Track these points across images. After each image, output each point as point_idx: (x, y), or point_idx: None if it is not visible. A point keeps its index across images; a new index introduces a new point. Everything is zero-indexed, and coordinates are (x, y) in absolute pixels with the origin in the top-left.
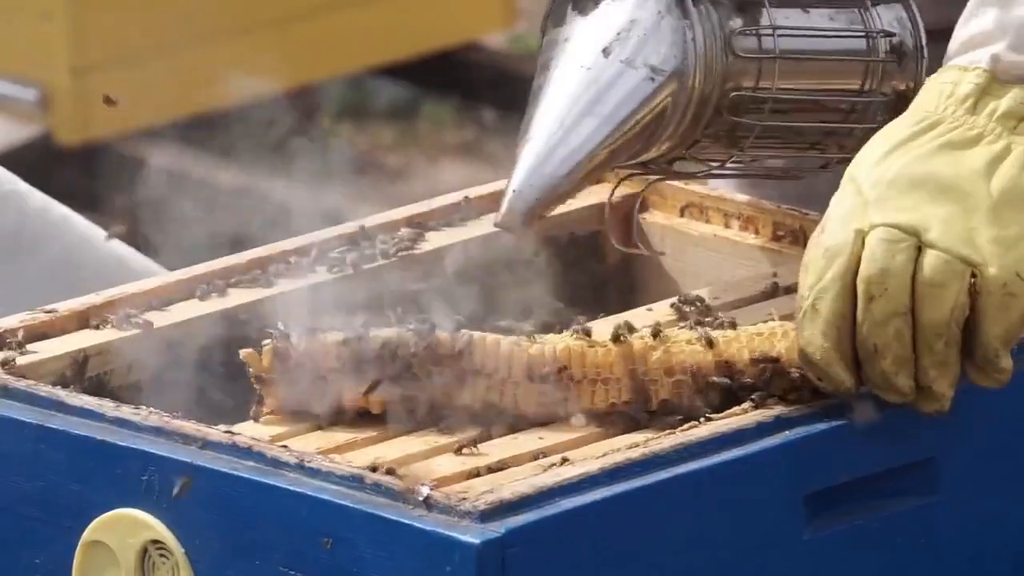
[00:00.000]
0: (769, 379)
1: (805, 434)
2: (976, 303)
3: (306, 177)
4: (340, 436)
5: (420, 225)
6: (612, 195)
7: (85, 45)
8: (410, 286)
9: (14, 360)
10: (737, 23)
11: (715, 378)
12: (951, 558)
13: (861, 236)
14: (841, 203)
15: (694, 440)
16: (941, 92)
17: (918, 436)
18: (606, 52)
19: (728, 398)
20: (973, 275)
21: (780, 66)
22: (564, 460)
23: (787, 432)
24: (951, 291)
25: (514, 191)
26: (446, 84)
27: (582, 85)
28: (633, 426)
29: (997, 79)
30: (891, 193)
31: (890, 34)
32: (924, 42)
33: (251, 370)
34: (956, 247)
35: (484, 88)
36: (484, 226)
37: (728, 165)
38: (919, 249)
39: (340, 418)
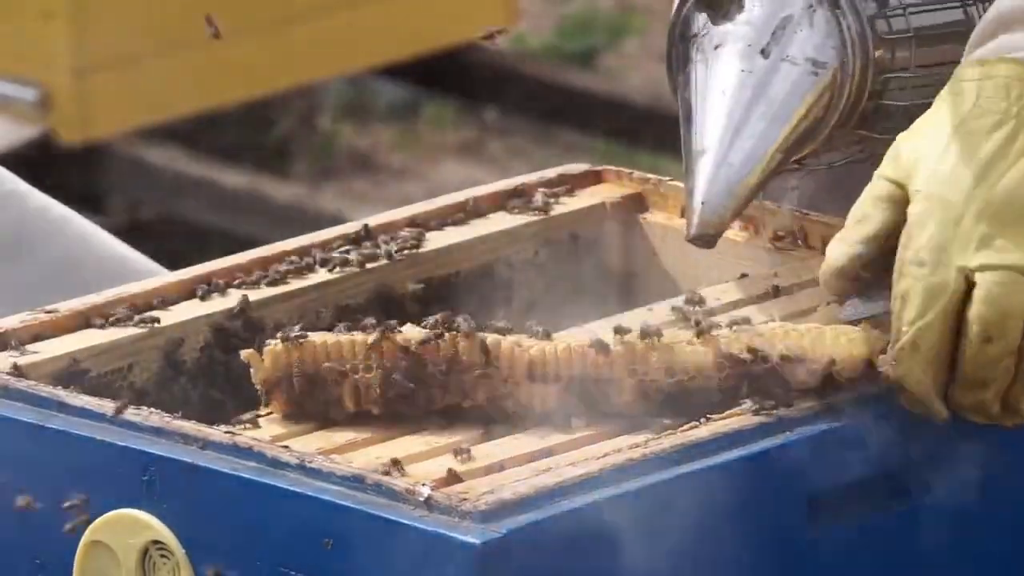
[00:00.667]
0: (764, 379)
1: (807, 435)
2: None
3: (307, 177)
4: (340, 437)
5: (422, 225)
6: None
7: (86, 45)
8: (411, 286)
9: (15, 360)
10: (871, 6)
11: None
12: (954, 560)
13: (964, 274)
14: (935, 231)
15: (695, 441)
16: (1006, 89)
17: (920, 438)
18: (765, 52)
19: (728, 396)
20: None
21: (915, 44)
22: (565, 461)
23: (789, 433)
24: None
25: (703, 203)
26: (447, 84)
27: (746, 88)
28: (633, 427)
29: None
30: (995, 228)
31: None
32: None
33: (253, 371)
34: None
35: (485, 88)
36: (485, 226)
37: (856, 153)
38: None
39: (342, 419)
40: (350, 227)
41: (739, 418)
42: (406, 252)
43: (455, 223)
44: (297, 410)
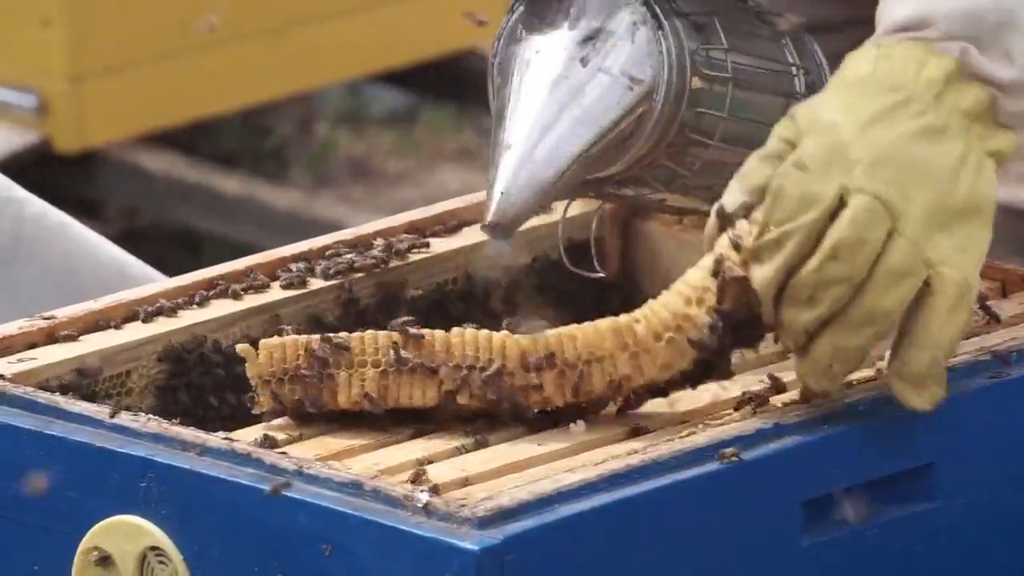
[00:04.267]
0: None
1: (803, 440)
2: (926, 304)
3: (305, 183)
4: (338, 443)
5: (419, 231)
6: (566, 211)
7: (83, 52)
8: (409, 292)
9: (13, 367)
10: (696, 39)
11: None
12: (949, 565)
13: (843, 195)
14: (822, 143)
15: (692, 447)
16: (908, 65)
17: (916, 443)
18: (584, 61)
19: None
20: (928, 281)
21: (732, 86)
22: (563, 467)
23: (785, 438)
24: (905, 285)
25: (501, 193)
26: (444, 90)
27: (560, 91)
28: (632, 434)
29: (961, 73)
30: (882, 164)
31: (808, 71)
32: (827, 77)
33: (248, 365)
34: (923, 243)
35: (482, 94)
36: (483, 233)
37: (672, 192)
38: (891, 233)
39: (325, 417)
40: (347, 233)
41: (737, 424)
42: (404, 259)
43: (453, 229)
44: (281, 408)
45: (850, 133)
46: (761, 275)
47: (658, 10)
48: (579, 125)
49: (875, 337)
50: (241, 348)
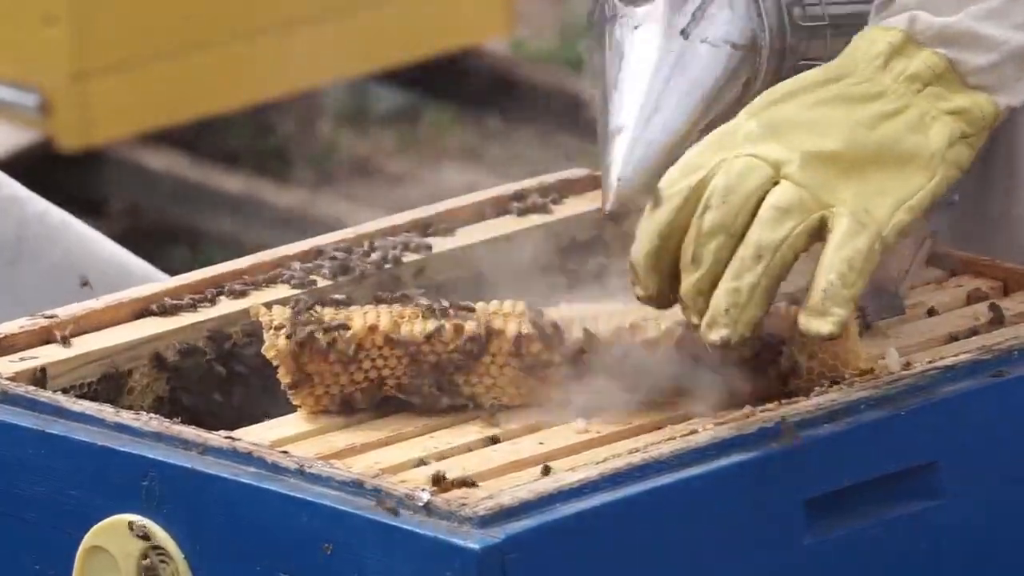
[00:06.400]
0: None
1: (806, 438)
2: (824, 242)
3: (307, 182)
4: (340, 441)
5: (421, 230)
6: None
7: (86, 50)
8: (410, 288)
9: (14, 366)
10: None
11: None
12: (953, 563)
13: (722, 163)
14: (711, 135)
15: (694, 445)
16: (857, 48)
17: (919, 440)
18: (684, 33)
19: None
20: (824, 226)
21: (831, 33)
22: (564, 466)
23: (787, 437)
24: (791, 219)
25: (619, 179)
26: (447, 89)
27: (665, 67)
28: (633, 431)
29: (913, 40)
30: (767, 133)
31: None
32: None
33: (264, 326)
34: (812, 184)
35: (485, 93)
36: (485, 232)
37: None
38: (776, 183)
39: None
40: (350, 232)
41: (739, 423)
42: (406, 257)
43: (455, 228)
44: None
45: (747, 115)
46: (636, 245)
47: None
48: (687, 99)
49: (766, 274)
50: (254, 309)
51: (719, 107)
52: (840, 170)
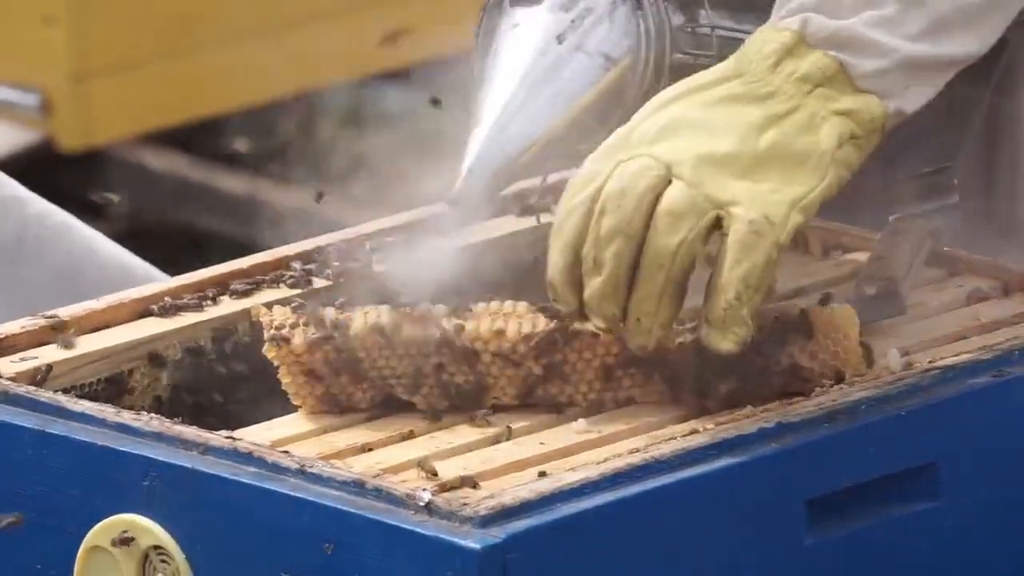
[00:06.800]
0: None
1: (806, 439)
2: (720, 248)
3: (308, 182)
4: (341, 441)
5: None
6: (545, 178)
7: (86, 50)
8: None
9: (15, 366)
10: (679, 19)
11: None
12: (953, 563)
13: (617, 166)
14: (613, 137)
15: (695, 446)
16: (749, 48)
17: (919, 441)
18: (560, 39)
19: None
20: (720, 222)
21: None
22: (564, 466)
23: (788, 437)
24: (686, 222)
25: (469, 170)
26: (448, 90)
27: (536, 69)
28: (633, 432)
29: (805, 41)
30: (661, 135)
31: None
32: None
33: (264, 327)
34: (704, 184)
35: None
36: (486, 232)
37: None
38: (669, 182)
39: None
40: (350, 232)
41: (739, 423)
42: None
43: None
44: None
45: (641, 117)
46: (551, 263)
47: None
48: (552, 104)
49: (668, 282)
50: (255, 309)
51: (584, 117)
52: (733, 170)
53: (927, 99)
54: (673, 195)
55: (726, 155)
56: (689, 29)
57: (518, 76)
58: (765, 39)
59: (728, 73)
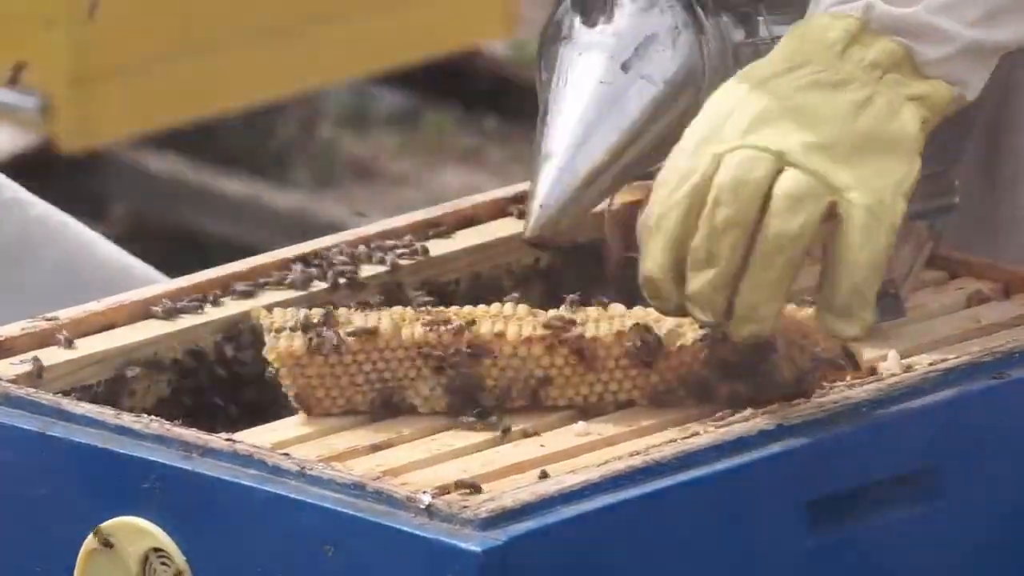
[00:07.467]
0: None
1: (807, 441)
2: (838, 233)
3: (307, 184)
4: (341, 444)
5: (422, 232)
6: (611, 202)
7: (86, 53)
8: (412, 294)
9: (16, 368)
10: (739, 35)
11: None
12: (952, 565)
13: (718, 159)
14: (697, 130)
15: (695, 448)
16: (807, 37)
17: (920, 443)
18: (625, 67)
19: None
20: (835, 208)
21: None
22: (565, 468)
23: (789, 439)
24: (806, 207)
25: (541, 206)
26: (448, 91)
27: (601, 99)
28: (634, 433)
29: (868, 29)
30: (757, 125)
31: None
32: None
33: (265, 329)
34: (820, 169)
35: (485, 95)
36: (486, 234)
37: None
38: (780, 171)
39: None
40: (350, 234)
41: (740, 425)
42: (407, 260)
43: (456, 230)
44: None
45: (730, 106)
46: (650, 260)
47: (699, 12)
48: (618, 134)
49: (788, 265)
50: (255, 311)
51: (650, 145)
52: (836, 157)
53: (984, 84)
54: (791, 181)
55: (829, 142)
56: (750, 42)
57: (582, 106)
58: (825, 26)
59: (795, 60)
